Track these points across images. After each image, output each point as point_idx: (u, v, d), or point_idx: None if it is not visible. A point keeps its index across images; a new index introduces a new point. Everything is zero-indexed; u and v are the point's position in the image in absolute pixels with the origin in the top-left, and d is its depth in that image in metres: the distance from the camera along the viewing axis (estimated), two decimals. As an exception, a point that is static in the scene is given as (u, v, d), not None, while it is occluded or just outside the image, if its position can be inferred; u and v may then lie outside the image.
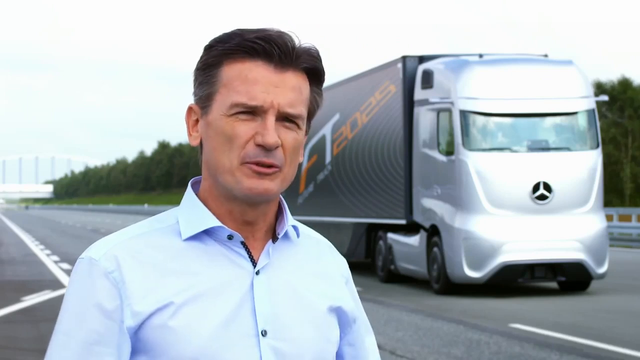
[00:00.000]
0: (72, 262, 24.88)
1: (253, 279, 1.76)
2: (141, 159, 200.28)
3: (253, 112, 1.70)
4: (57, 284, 18.53)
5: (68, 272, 21.55)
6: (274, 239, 1.80)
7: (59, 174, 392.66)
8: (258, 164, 1.70)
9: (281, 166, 1.72)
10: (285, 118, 1.72)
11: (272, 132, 1.69)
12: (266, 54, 1.71)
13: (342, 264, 1.93)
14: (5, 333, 12.04)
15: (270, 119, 1.70)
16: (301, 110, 1.73)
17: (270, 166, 1.71)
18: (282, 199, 1.81)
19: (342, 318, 1.87)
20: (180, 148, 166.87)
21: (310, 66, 1.75)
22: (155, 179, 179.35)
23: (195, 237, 1.76)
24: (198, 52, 1.81)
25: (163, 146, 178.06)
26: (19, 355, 10.51)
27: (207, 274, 1.74)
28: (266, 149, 1.70)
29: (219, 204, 1.76)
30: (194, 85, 1.78)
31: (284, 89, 1.71)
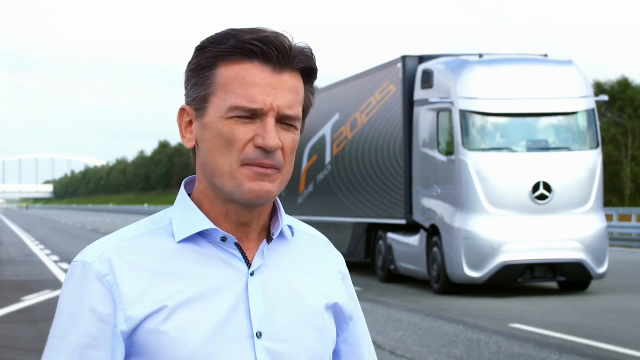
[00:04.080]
0: (71, 262, 24.84)
1: (248, 280, 1.74)
2: (141, 159, 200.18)
3: (252, 114, 1.69)
4: (57, 284, 18.51)
5: (68, 272, 21.53)
6: (269, 239, 1.78)
7: (59, 174, 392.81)
8: (259, 165, 1.69)
9: (280, 168, 1.71)
10: (283, 120, 1.71)
11: (273, 135, 1.68)
12: (264, 56, 1.70)
13: (339, 260, 1.91)
14: (5, 333, 12.03)
15: (271, 121, 1.69)
16: (298, 111, 1.73)
17: (270, 167, 1.70)
18: (277, 198, 1.80)
19: (338, 315, 1.85)
20: (180, 148, 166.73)
21: (306, 66, 1.74)
22: (155, 179, 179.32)
23: (189, 240, 1.74)
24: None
25: (163, 146, 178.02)
26: (19, 355, 10.50)
27: (201, 276, 1.72)
28: (267, 151, 1.69)
29: (214, 206, 1.75)
30: (187, 86, 1.76)
31: (282, 90, 1.70)
